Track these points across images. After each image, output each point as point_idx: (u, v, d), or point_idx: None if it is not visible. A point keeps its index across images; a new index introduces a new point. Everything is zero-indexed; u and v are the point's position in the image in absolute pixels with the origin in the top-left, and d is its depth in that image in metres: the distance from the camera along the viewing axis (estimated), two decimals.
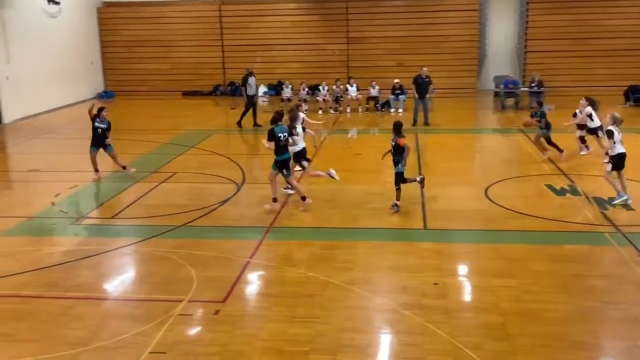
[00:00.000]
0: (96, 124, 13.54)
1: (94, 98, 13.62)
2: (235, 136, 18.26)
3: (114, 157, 13.74)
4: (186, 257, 9.05)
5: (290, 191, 11.91)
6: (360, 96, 22.85)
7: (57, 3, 24.22)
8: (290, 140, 11.33)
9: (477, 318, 7.27)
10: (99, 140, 13.54)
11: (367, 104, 22.87)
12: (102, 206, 11.78)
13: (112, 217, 11.10)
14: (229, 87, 27.21)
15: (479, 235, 10.08)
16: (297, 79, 24.66)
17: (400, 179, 10.99)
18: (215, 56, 27.53)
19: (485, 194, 12.01)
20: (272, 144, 10.98)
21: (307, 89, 23.22)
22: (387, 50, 26.23)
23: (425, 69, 19.81)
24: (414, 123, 19.46)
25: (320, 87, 23.26)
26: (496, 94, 23.87)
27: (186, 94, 27.46)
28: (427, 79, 19.51)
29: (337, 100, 22.86)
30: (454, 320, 7.16)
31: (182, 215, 10.88)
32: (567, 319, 7.17)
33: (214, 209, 11.34)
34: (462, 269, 8.94)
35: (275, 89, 26.65)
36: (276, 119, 11.23)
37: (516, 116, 20.81)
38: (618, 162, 10.92)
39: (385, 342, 6.94)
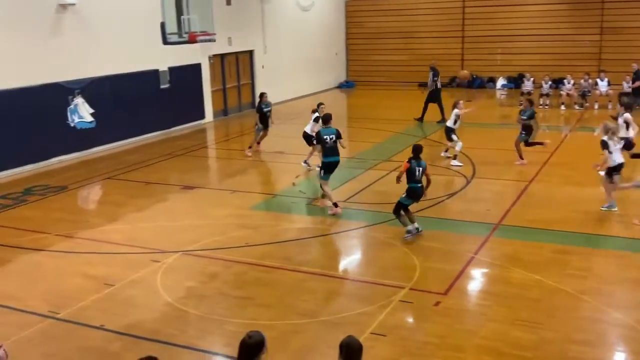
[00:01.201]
0: (264, 109, 15.47)
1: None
2: (472, 129, 17.88)
3: (265, 135, 15.74)
4: (410, 245, 9.20)
5: (308, 166, 13.55)
6: (611, 91, 20.87)
7: None
8: (339, 143, 11.00)
9: None
10: (266, 121, 15.54)
11: (619, 100, 20.81)
12: (336, 189, 12.43)
13: (344, 201, 11.67)
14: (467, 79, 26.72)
15: None
16: (539, 71, 23.38)
17: (396, 208, 9.50)
18: (454, 47, 27.26)
19: None
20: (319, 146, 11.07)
21: (550, 82, 21.88)
22: None
23: (635, 65, 18.94)
24: None
25: (565, 81, 21.75)
26: None
27: (422, 85, 27.57)
28: (635, 76, 18.89)
29: (583, 95, 21.25)
30: None
31: None
32: None
33: (441, 201, 11.32)
34: None
35: (515, 81, 25.60)
36: (326, 119, 11.13)
37: None
38: None
39: None
